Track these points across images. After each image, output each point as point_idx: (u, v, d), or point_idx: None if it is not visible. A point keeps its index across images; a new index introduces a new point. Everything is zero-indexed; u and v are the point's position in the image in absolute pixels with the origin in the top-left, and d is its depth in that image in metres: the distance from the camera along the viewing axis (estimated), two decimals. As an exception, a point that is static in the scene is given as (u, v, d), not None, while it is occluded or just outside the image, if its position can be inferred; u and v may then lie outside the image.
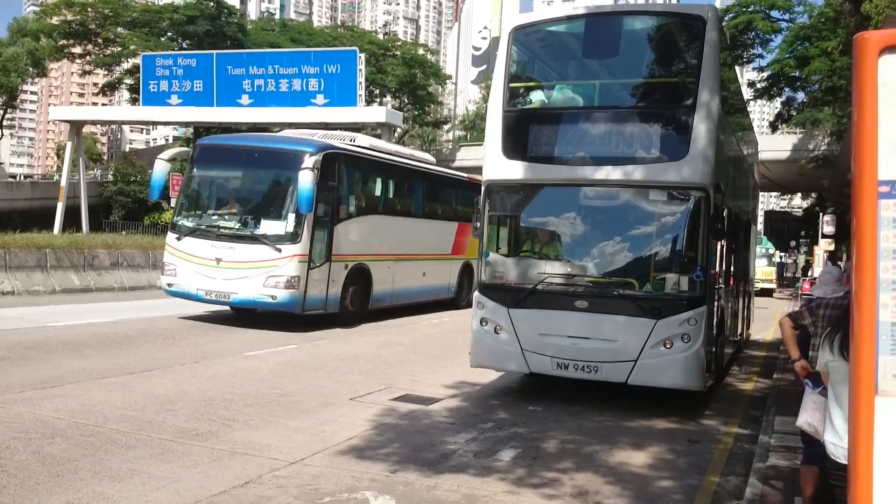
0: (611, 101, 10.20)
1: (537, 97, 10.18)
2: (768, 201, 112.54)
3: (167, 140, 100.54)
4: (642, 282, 9.18)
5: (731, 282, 12.29)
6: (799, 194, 66.89)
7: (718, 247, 9.92)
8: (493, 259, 9.95)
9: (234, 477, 6.02)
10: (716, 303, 9.73)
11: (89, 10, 53.48)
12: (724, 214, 9.80)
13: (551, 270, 9.52)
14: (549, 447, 7.53)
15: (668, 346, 8.73)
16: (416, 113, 61.87)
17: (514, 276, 9.88)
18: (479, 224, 9.80)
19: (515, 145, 9.57)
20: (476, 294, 9.75)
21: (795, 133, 46.27)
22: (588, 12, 10.28)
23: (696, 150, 8.77)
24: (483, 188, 9.78)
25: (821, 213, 38.04)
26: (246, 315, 15.47)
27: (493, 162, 9.65)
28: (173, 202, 36.70)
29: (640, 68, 10.17)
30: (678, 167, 8.84)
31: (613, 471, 6.88)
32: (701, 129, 8.80)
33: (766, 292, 31.98)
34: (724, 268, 10.92)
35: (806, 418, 4.83)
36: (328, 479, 6.16)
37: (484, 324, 9.56)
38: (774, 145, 43.55)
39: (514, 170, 9.52)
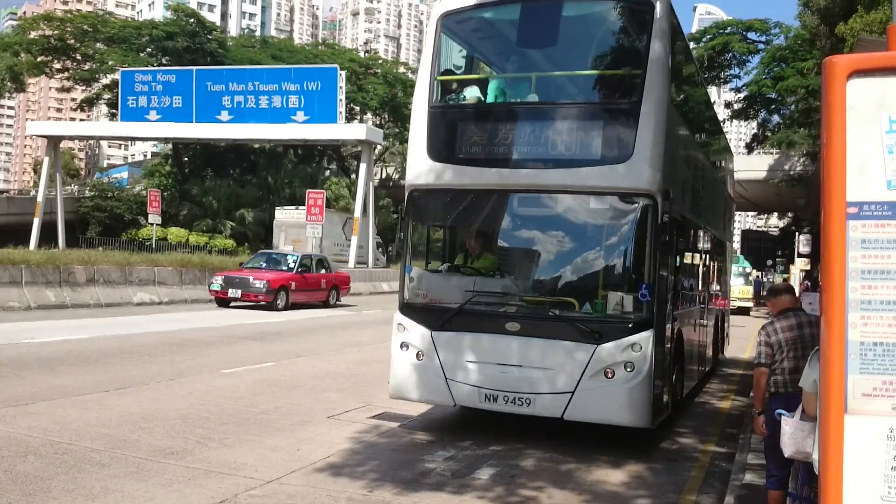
0: (548, 97, 9.03)
1: (469, 93, 9.03)
2: (745, 220, 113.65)
3: (146, 156, 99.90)
4: (582, 301, 8.07)
5: (697, 301, 11.44)
6: (776, 214, 67.62)
7: (672, 262, 8.83)
8: (417, 275, 8.94)
9: (209, 496, 5.96)
10: (669, 326, 8.56)
11: (68, 25, 53.31)
12: (678, 225, 8.96)
13: (480, 288, 8.46)
14: (528, 465, 7.52)
15: (609, 375, 7.66)
16: (397, 130, 62.03)
17: (439, 294, 8.94)
18: (401, 235, 8.87)
19: (442, 146, 8.60)
20: (396, 314, 8.68)
21: (772, 154, 46.90)
22: None
23: (642, 151, 7.73)
24: (406, 194, 8.78)
25: (797, 233, 38.46)
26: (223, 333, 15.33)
27: (416, 165, 8.61)
28: (151, 218, 36.62)
29: (581, 60, 9.16)
30: (621, 170, 7.82)
31: (591, 489, 6.87)
32: (647, 128, 7.77)
33: (744, 310, 32.25)
34: (683, 286, 9.98)
35: (796, 447, 4.50)
36: (304, 498, 6.11)
37: (404, 348, 8.49)
38: (751, 165, 44.12)
39: (441, 173, 8.48)
